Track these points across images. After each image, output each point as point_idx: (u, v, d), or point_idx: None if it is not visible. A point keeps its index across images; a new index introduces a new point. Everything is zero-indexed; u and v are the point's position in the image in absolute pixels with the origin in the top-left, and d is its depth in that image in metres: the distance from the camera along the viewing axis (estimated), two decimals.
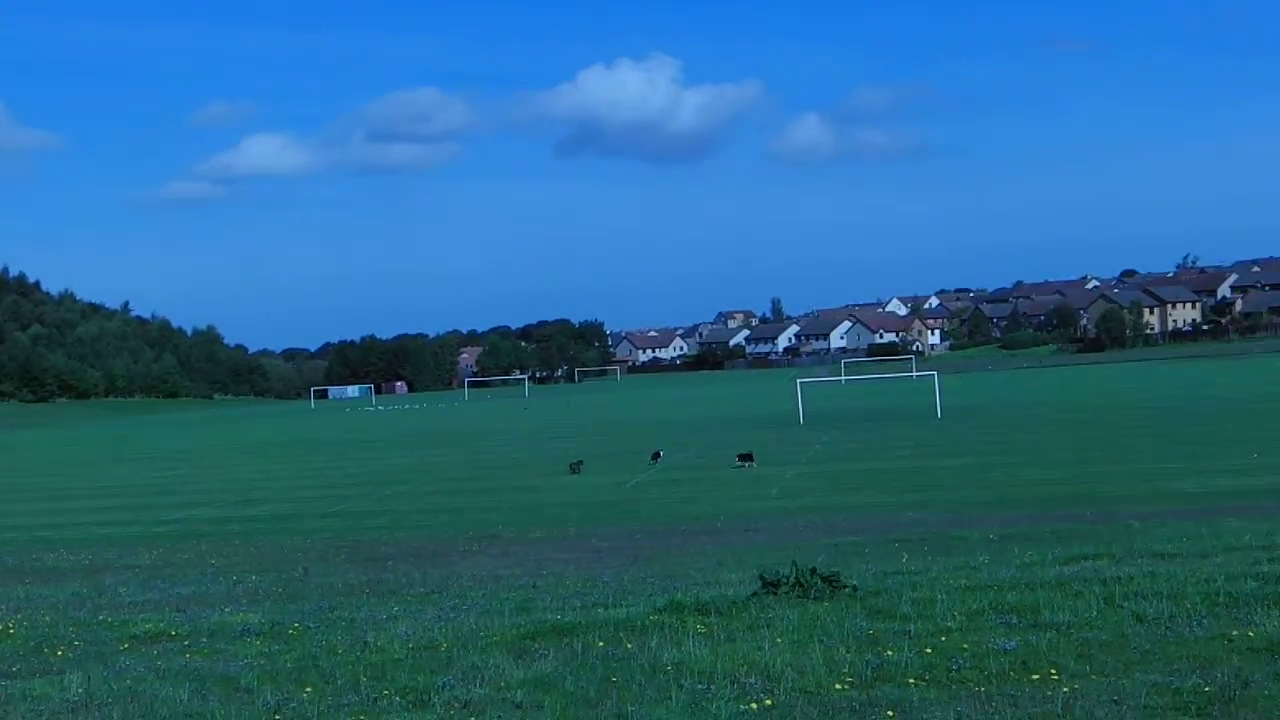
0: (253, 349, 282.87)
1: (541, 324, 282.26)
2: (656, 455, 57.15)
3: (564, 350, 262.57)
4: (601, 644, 12.93)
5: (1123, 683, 10.27)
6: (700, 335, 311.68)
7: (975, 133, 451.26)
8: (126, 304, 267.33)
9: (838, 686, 10.61)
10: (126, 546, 35.87)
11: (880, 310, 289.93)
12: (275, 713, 10.70)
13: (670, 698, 10.42)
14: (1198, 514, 29.72)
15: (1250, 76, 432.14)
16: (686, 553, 28.36)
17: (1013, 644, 11.71)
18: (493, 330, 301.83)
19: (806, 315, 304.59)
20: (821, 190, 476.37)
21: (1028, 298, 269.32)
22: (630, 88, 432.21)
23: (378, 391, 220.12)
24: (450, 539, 34.76)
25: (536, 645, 13.24)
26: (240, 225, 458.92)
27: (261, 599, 22.08)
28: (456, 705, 10.59)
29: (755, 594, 15.42)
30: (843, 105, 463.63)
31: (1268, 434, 52.05)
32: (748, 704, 10.13)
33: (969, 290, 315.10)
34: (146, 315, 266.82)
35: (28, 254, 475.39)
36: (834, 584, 15.44)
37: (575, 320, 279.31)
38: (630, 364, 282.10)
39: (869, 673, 10.95)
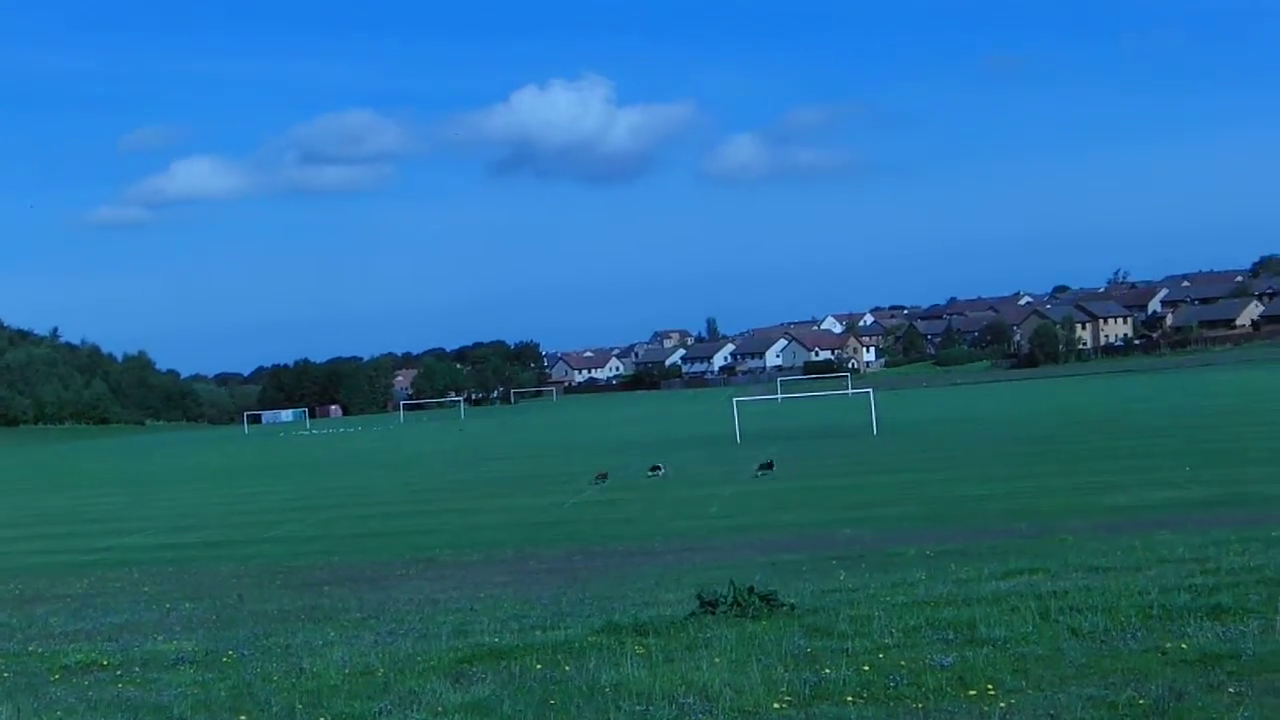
0: (185, 374, 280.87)
1: (477, 345, 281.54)
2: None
3: (499, 372, 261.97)
4: (539, 666, 12.89)
5: (1058, 697, 10.32)
6: (636, 355, 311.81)
7: (908, 151, 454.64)
8: (55, 330, 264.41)
9: (776, 705, 10.61)
10: (57, 575, 35.38)
11: (815, 328, 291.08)
12: None
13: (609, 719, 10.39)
14: (1132, 528, 29.96)
15: (1177, 95, 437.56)
16: (624, 573, 28.31)
17: (950, 660, 11.75)
18: (428, 352, 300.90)
19: (742, 334, 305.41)
20: (756, 209, 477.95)
21: (961, 314, 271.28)
22: (564, 108, 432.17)
23: (312, 415, 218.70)
24: (387, 563, 34.55)
25: (474, 669, 13.18)
26: (171, 249, 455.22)
27: (195, 627, 21.84)
28: None
29: (693, 614, 15.42)
30: (776, 124, 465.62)
31: (1200, 448, 52.60)
32: None
33: (903, 307, 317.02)
34: (76, 341, 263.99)
35: None
36: (771, 603, 15.48)
37: (510, 341, 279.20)
38: (566, 385, 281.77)
39: (807, 691, 10.96)
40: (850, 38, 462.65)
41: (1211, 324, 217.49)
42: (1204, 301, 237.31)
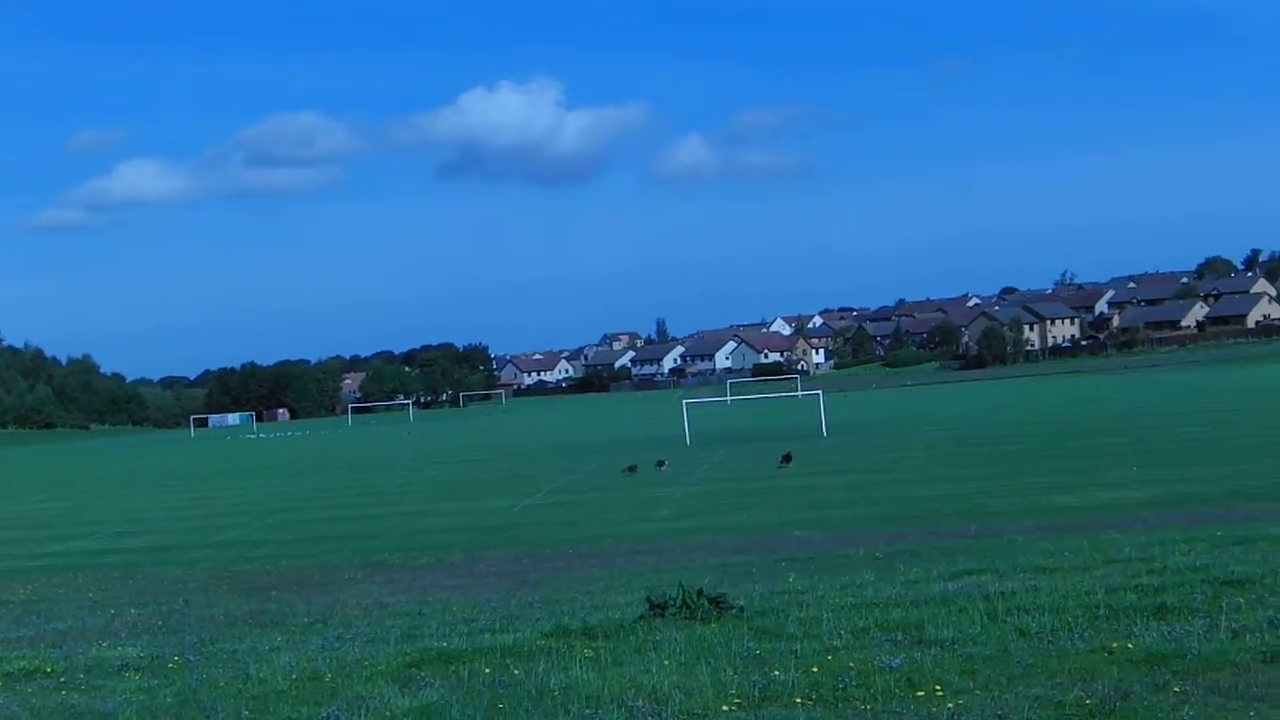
0: (130, 378, 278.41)
1: (425, 348, 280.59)
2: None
3: (448, 374, 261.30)
4: (488, 670, 12.85)
5: (1006, 697, 10.36)
6: (585, 358, 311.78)
7: (858, 152, 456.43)
8: None
9: (725, 708, 10.61)
10: (0, 581, 35.02)
11: (765, 330, 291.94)
12: None
13: None
14: (1079, 528, 30.13)
15: (1123, 96, 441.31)
16: (574, 576, 28.26)
17: (898, 661, 11.78)
18: (376, 355, 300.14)
19: (691, 336, 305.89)
20: (705, 211, 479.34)
21: (910, 316, 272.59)
22: (512, 110, 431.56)
23: (259, 419, 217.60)
24: (335, 567, 34.35)
25: (422, 673, 13.13)
26: (116, 252, 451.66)
27: (141, 632, 21.65)
28: None
29: (642, 617, 15.42)
30: (725, 126, 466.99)
31: (1146, 448, 52.99)
32: None
33: (852, 309, 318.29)
34: (19, 345, 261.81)
35: None
36: (721, 605, 15.49)
37: (459, 344, 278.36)
38: (516, 387, 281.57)
39: (756, 693, 10.97)
40: (800, 40, 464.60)
41: (1157, 325, 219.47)
42: (1150, 303, 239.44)
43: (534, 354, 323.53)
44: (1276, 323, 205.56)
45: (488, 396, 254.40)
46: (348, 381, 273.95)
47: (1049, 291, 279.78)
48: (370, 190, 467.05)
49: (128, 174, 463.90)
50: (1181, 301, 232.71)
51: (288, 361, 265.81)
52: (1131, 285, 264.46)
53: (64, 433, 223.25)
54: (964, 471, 49.33)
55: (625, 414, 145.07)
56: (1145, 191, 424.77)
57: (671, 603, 15.59)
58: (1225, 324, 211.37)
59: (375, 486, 64.29)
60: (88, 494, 73.57)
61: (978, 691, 10.64)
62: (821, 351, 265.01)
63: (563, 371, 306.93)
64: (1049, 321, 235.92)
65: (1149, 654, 11.44)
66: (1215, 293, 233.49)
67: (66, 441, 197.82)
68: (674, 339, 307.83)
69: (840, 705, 10.55)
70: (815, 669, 11.70)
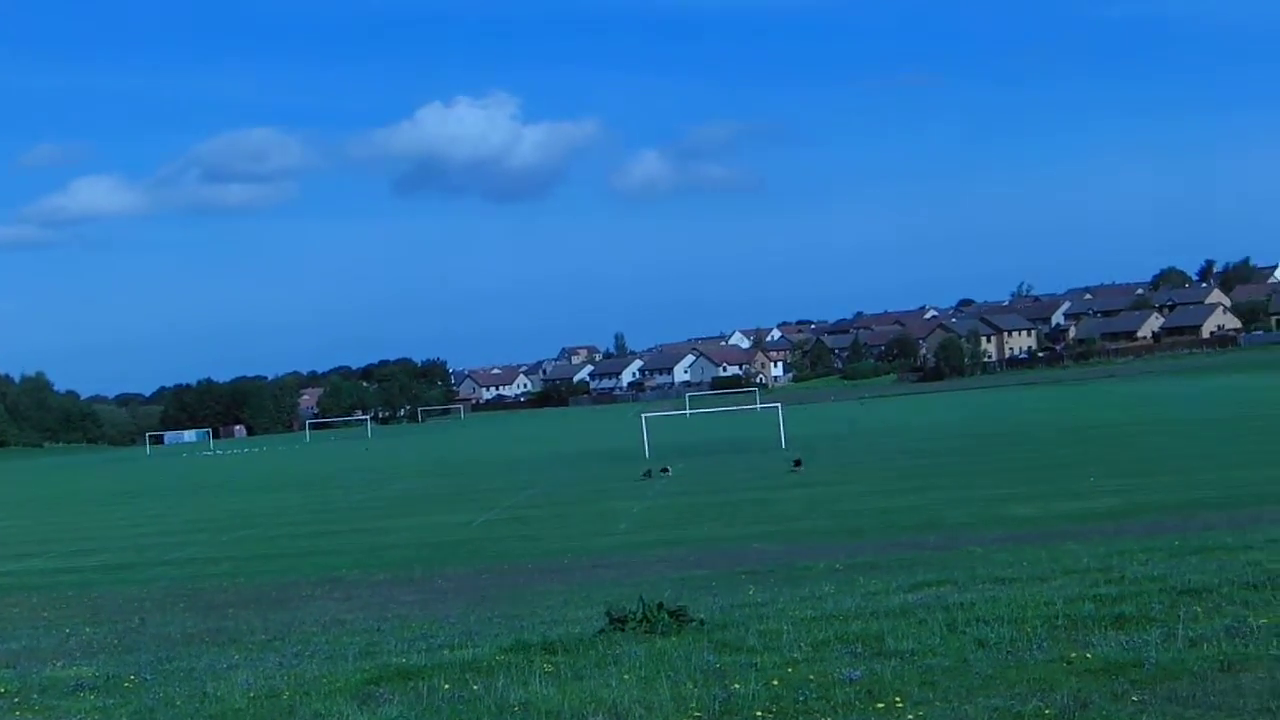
0: (84, 395, 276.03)
1: (383, 364, 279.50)
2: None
3: (406, 390, 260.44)
4: (447, 686, 12.78)
5: (965, 708, 10.36)
6: (544, 372, 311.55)
7: (815, 166, 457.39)
8: None
9: None
10: None
11: (723, 343, 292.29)
12: None
13: None
14: (1038, 539, 30.26)
15: (1076, 109, 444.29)
16: (533, 591, 28.19)
17: (858, 673, 11.77)
18: (333, 371, 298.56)
19: (650, 350, 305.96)
20: (663, 225, 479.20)
21: (868, 328, 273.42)
22: (469, 125, 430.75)
23: (216, 435, 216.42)
24: (292, 584, 34.15)
25: (381, 690, 13.04)
26: (71, 268, 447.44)
27: (96, 652, 21.44)
28: None
29: (602, 631, 15.36)
30: (682, 140, 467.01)
31: (1104, 458, 53.32)
32: None
33: (810, 322, 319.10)
34: None
35: None
36: (681, 618, 15.44)
37: (417, 359, 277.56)
38: (474, 402, 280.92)
39: (716, 706, 10.93)
40: (755, 55, 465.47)
41: (1113, 336, 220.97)
42: (1106, 314, 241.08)
43: (492, 368, 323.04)
44: (1231, 333, 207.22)
45: (446, 411, 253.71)
46: (305, 397, 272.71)
47: (1006, 303, 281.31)
48: (327, 206, 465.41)
49: (82, 190, 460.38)
50: (1137, 313, 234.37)
51: (244, 378, 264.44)
52: (1087, 297, 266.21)
53: (17, 451, 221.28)
54: (923, 483, 49.49)
55: (584, 428, 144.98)
56: (1101, 203, 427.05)
57: (631, 616, 15.54)
58: (1180, 335, 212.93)
59: (333, 503, 64.03)
60: (42, 512, 73.00)
61: (937, 703, 10.64)
62: (780, 364, 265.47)
63: (521, 386, 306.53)
64: (1006, 333, 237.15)
65: (1107, 664, 11.47)
66: (1170, 304, 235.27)
67: (20, 460, 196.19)
68: (632, 353, 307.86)
69: (801, 718, 10.53)
70: (775, 682, 11.67)
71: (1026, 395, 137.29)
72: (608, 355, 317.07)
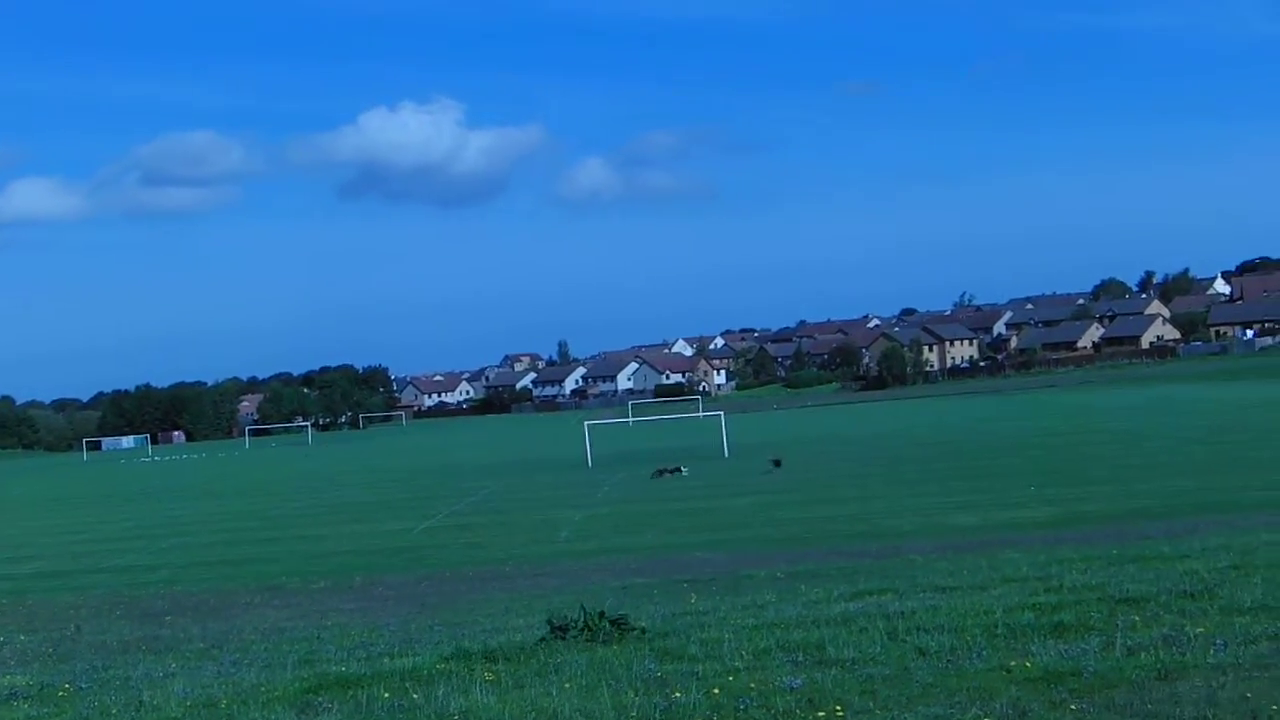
0: (20, 400, 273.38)
1: (324, 370, 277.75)
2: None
3: (348, 396, 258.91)
4: (387, 695, 12.70)
5: (905, 717, 10.39)
6: (486, 379, 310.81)
7: (759, 174, 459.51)
8: None
9: None
10: None
11: (666, 351, 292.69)
12: None
13: None
14: (978, 547, 30.41)
15: (1018, 120, 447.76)
16: (475, 599, 28.09)
17: (799, 682, 11.78)
18: (274, 377, 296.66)
19: (593, 357, 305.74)
20: (607, 232, 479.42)
21: (811, 337, 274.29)
22: (413, 130, 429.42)
23: (154, 442, 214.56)
24: (231, 591, 33.89)
25: (320, 699, 12.95)
26: (7, 272, 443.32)
27: (30, 660, 21.19)
28: None
29: (543, 639, 15.32)
30: (627, 147, 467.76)
31: (1044, 467, 53.65)
32: None
33: (753, 330, 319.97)
34: None
35: None
36: (622, 627, 15.43)
37: (359, 365, 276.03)
38: (416, 409, 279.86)
39: (657, 715, 10.93)
40: (701, 62, 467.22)
41: (1054, 346, 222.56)
42: (1047, 324, 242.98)
43: (435, 375, 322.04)
44: (1170, 344, 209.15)
45: (388, 418, 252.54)
46: (245, 404, 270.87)
47: (948, 313, 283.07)
48: (269, 210, 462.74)
49: (19, 193, 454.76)
50: (1078, 323, 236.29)
51: (183, 384, 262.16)
52: (1029, 307, 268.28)
53: None
54: (865, 491, 49.66)
55: (526, 435, 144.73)
56: (1042, 214, 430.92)
57: (573, 625, 15.51)
58: (1120, 345, 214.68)
59: (273, 510, 63.61)
60: None
61: (877, 711, 10.66)
62: (723, 372, 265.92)
63: (464, 393, 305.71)
64: (948, 342, 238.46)
65: (1046, 672, 11.52)
66: (1110, 314, 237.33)
67: None
68: (575, 360, 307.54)
69: None
70: (716, 690, 11.67)
71: (968, 404, 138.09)
72: (551, 363, 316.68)
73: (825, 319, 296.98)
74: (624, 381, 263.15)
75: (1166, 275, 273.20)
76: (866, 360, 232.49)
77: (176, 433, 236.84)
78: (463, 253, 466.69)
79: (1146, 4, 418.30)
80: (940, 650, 12.85)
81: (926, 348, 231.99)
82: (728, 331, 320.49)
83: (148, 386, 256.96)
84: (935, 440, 79.68)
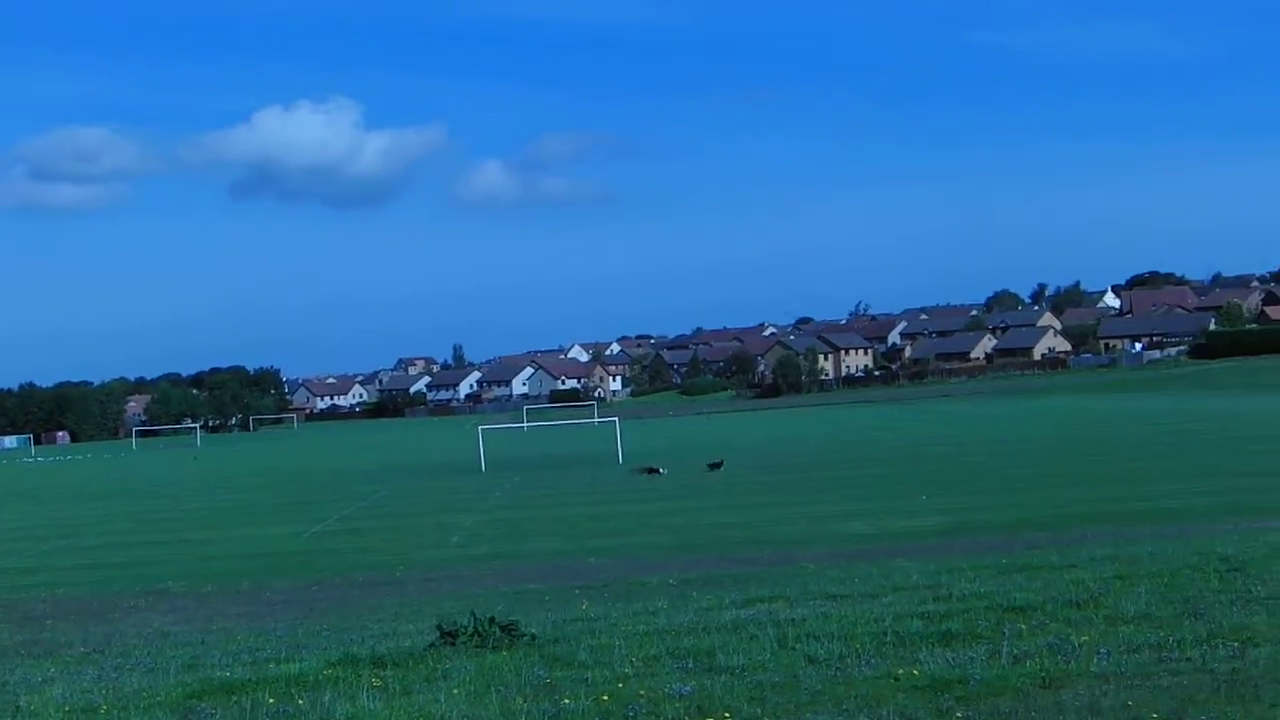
0: None
1: (214, 371, 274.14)
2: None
3: (238, 398, 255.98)
4: (272, 701, 12.54)
5: None
6: (380, 382, 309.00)
7: (658, 181, 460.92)
8: None
9: None
10: None
11: (562, 357, 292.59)
12: None
13: None
14: (870, 555, 30.60)
15: (917, 131, 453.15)
16: (364, 604, 27.81)
17: (688, 689, 11.76)
18: (163, 377, 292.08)
19: (488, 362, 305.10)
20: (504, 236, 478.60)
21: (707, 344, 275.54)
22: (309, 130, 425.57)
23: (38, 442, 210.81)
24: (114, 595, 33.27)
25: (203, 704, 12.76)
26: None
27: None
28: None
29: (433, 645, 15.22)
30: (525, 152, 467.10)
31: (936, 476, 54.17)
32: None
33: (650, 337, 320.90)
34: None
35: None
36: (512, 633, 15.36)
37: (250, 367, 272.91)
38: (308, 412, 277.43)
39: None
40: (601, 68, 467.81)
41: (947, 356, 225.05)
42: (940, 334, 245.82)
43: (327, 378, 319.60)
44: (1061, 355, 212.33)
45: (279, 421, 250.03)
46: (132, 404, 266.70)
47: (843, 322, 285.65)
48: (160, 208, 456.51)
49: None
50: (971, 334, 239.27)
51: (68, 383, 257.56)
52: (923, 317, 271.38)
53: None
54: (759, 499, 49.84)
55: (419, 439, 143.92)
56: (937, 225, 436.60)
57: (463, 631, 15.41)
58: (1012, 356, 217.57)
59: (159, 512, 62.65)
60: None
61: (766, 718, 10.66)
62: (619, 378, 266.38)
63: (357, 396, 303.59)
64: (843, 351, 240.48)
65: (933, 680, 11.59)
66: (1003, 325, 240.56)
67: None
68: (471, 364, 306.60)
69: None
70: (606, 697, 11.62)
71: (862, 413, 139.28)
72: (445, 366, 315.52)
73: (721, 326, 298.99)
74: (519, 386, 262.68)
75: (1058, 288, 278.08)
76: (762, 368, 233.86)
77: (61, 433, 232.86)
78: (358, 254, 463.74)
79: (1041, 22, 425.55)
80: (829, 658, 12.89)
81: (822, 356, 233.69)
82: (624, 338, 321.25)
83: (31, 385, 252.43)
84: (828, 448, 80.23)
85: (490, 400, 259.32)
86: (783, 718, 10.64)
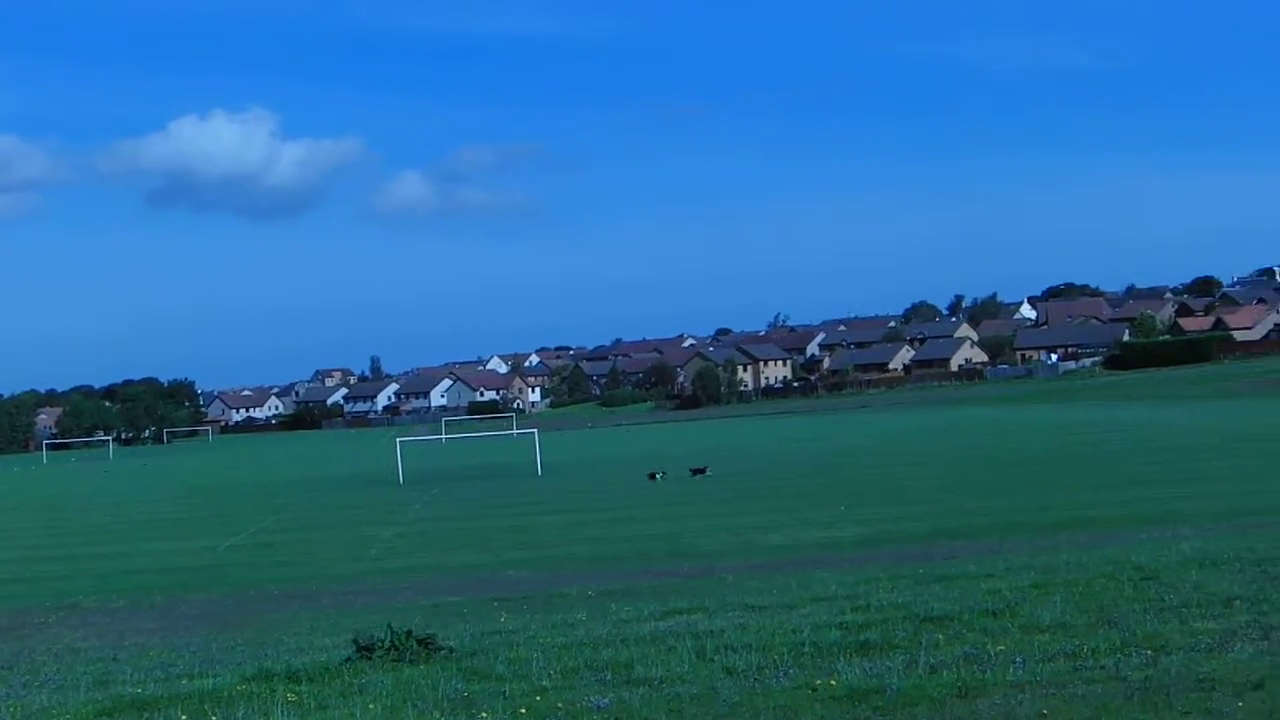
0: None
1: (127, 383, 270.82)
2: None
3: (152, 410, 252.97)
4: (184, 718, 12.40)
5: None
6: (297, 394, 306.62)
7: (577, 193, 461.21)
8: None
9: None
10: None
11: (481, 368, 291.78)
12: None
13: None
14: (789, 566, 30.67)
15: (833, 144, 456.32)
16: (279, 618, 27.53)
17: (606, 701, 11.72)
18: (74, 390, 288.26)
19: (406, 374, 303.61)
20: (423, 247, 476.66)
21: (626, 355, 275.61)
22: (225, 140, 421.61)
23: None
24: (23, 611, 32.71)
25: None
26: None
27: None
28: None
29: (349, 659, 15.09)
30: (445, 163, 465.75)
31: (855, 487, 54.38)
32: None
33: (569, 348, 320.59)
34: None
35: None
36: (430, 646, 15.26)
37: (164, 379, 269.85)
38: (223, 424, 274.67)
39: None
40: (523, 79, 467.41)
41: (866, 367, 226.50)
42: (859, 346, 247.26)
43: (243, 390, 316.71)
44: (978, 366, 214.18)
45: (194, 433, 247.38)
46: (43, 417, 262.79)
47: (762, 333, 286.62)
48: (72, 218, 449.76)
49: None
50: (889, 345, 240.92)
51: None
52: (841, 328, 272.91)
53: None
54: (677, 510, 49.84)
55: (337, 452, 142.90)
56: (855, 237, 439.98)
57: (379, 644, 15.28)
58: (930, 367, 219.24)
59: (70, 526, 61.75)
60: None
61: None
62: (538, 390, 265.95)
63: (273, 408, 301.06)
64: (762, 363, 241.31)
65: (851, 690, 11.61)
66: (921, 337, 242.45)
67: None
68: (388, 376, 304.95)
69: None
70: (523, 710, 11.56)
71: (781, 424, 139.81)
72: (363, 378, 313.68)
73: (641, 338, 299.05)
74: (437, 398, 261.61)
75: (975, 300, 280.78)
76: (681, 379, 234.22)
77: None
78: (274, 265, 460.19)
79: (960, 36, 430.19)
80: (748, 669, 12.88)
81: (741, 367, 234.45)
82: (543, 349, 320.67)
83: None
84: (748, 460, 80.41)
85: (408, 412, 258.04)
86: None
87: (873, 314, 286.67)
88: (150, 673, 17.66)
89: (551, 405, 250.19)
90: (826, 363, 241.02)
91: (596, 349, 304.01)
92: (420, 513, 56.13)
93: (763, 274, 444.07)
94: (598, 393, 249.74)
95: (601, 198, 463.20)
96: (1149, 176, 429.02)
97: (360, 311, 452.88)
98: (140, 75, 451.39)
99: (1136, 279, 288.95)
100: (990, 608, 15.99)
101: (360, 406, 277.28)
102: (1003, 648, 13.14)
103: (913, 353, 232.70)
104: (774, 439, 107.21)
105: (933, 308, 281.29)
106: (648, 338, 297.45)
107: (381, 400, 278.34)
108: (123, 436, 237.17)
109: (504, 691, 12.55)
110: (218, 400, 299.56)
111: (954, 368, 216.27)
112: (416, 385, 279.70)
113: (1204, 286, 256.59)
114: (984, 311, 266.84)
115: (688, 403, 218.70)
